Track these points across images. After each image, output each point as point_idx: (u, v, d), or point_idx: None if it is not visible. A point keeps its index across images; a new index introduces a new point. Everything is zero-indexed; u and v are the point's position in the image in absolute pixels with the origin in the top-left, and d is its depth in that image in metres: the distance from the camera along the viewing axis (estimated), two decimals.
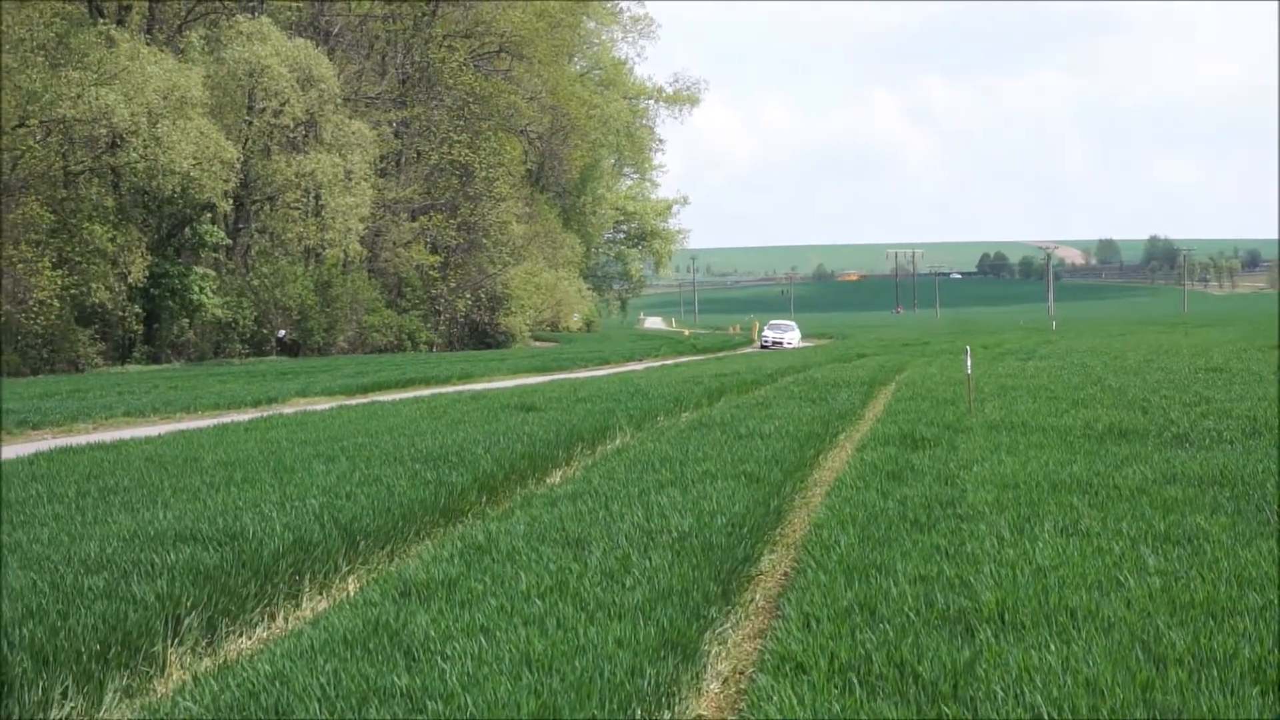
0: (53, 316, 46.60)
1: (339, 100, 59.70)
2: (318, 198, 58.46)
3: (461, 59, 71.15)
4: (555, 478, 13.80)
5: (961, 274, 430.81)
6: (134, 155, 48.57)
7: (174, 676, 7.13)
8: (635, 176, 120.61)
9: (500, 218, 72.99)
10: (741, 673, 6.89)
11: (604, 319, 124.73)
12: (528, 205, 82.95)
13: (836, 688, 5.95)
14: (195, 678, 6.71)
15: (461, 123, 71.18)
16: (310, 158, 56.93)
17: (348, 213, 58.30)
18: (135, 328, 52.09)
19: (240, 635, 7.93)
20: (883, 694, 5.88)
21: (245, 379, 37.18)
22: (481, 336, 74.25)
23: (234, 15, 57.52)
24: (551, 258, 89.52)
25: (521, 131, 79.15)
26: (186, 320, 54.01)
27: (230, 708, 5.99)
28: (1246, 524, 9.15)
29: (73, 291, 47.69)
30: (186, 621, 7.55)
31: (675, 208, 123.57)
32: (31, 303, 45.94)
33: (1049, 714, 5.49)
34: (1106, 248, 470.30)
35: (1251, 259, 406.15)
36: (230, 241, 58.33)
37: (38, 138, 49.03)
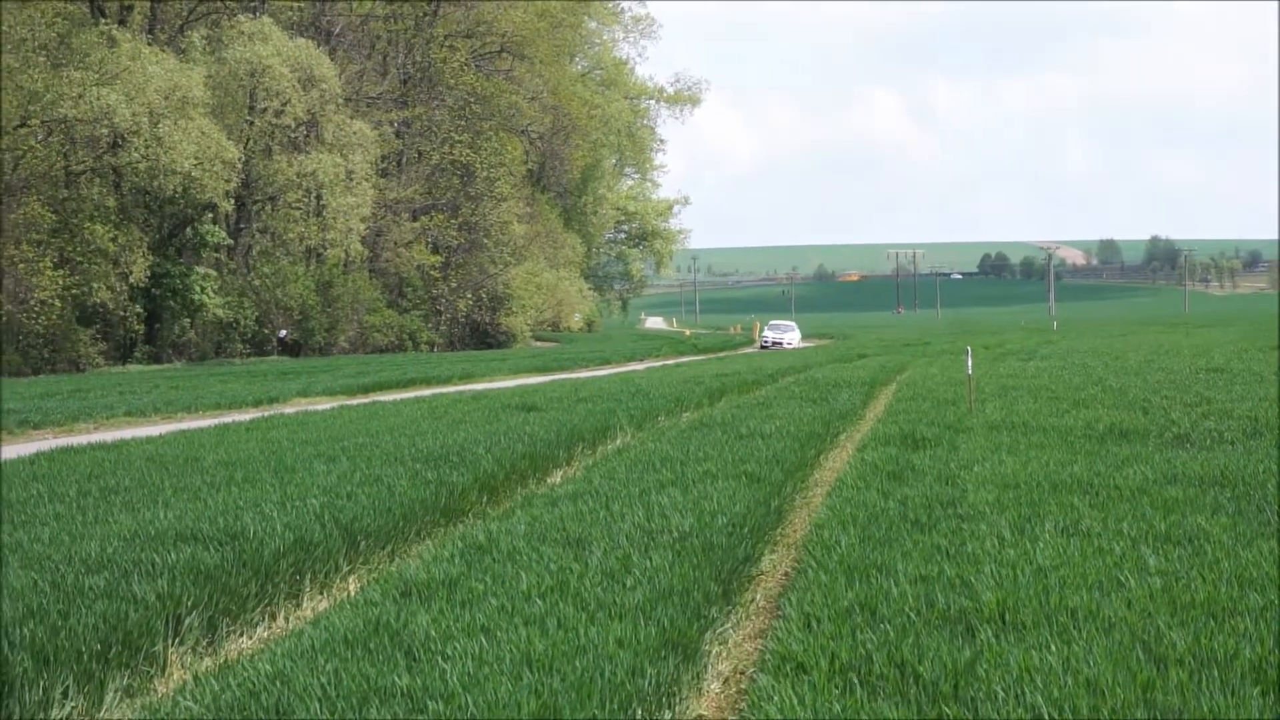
0: (54, 316, 46.62)
1: (340, 100, 59.73)
2: (319, 198, 58.48)
3: (463, 59, 71.16)
4: (556, 478, 13.80)
5: (962, 274, 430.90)
6: (135, 155, 48.59)
7: (175, 676, 7.13)
8: (636, 176, 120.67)
9: (501, 218, 73.01)
10: (742, 673, 6.89)
11: (605, 319, 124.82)
12: (529, 205, 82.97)
13: (837, 688, 5.95)
14: (196, 677, 6.71)
15: (463, 123, 71.20)
16: (311, 158, 56.96)
17: (349, 213, 58.32)
18: (136, 328, 52.11)
19: (241, 635, 7.93)
20: (883, 694, 5.88)
21: (246, 379, 37.19)
22: (482, 336, 74.27)
23: (235, 15, 57.54)
24: (552, 258, 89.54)
25: (523, 131, 79.15)
26: (188, 320, 54.04)
27: (231, 707, 5.99)
28: (1247, 524, 9.15)
29: (74, 291, 47.72)
30: (187, 621, 7.55)
31: (676, 208, 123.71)
32: (33, 302, 45.97)
33: (1050, 714, 5.49)
34: (1108, 248, 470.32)
35: (1252, 259, 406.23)
36: (231, 241, 58.36)
37: (39, 138, 49.07)
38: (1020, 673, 5.94)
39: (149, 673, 7.09)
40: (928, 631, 6.68)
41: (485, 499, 12.02)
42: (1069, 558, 8.12)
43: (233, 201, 55.56)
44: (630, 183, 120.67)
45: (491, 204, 72.19)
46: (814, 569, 8.25)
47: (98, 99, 46.49)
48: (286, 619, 8.34)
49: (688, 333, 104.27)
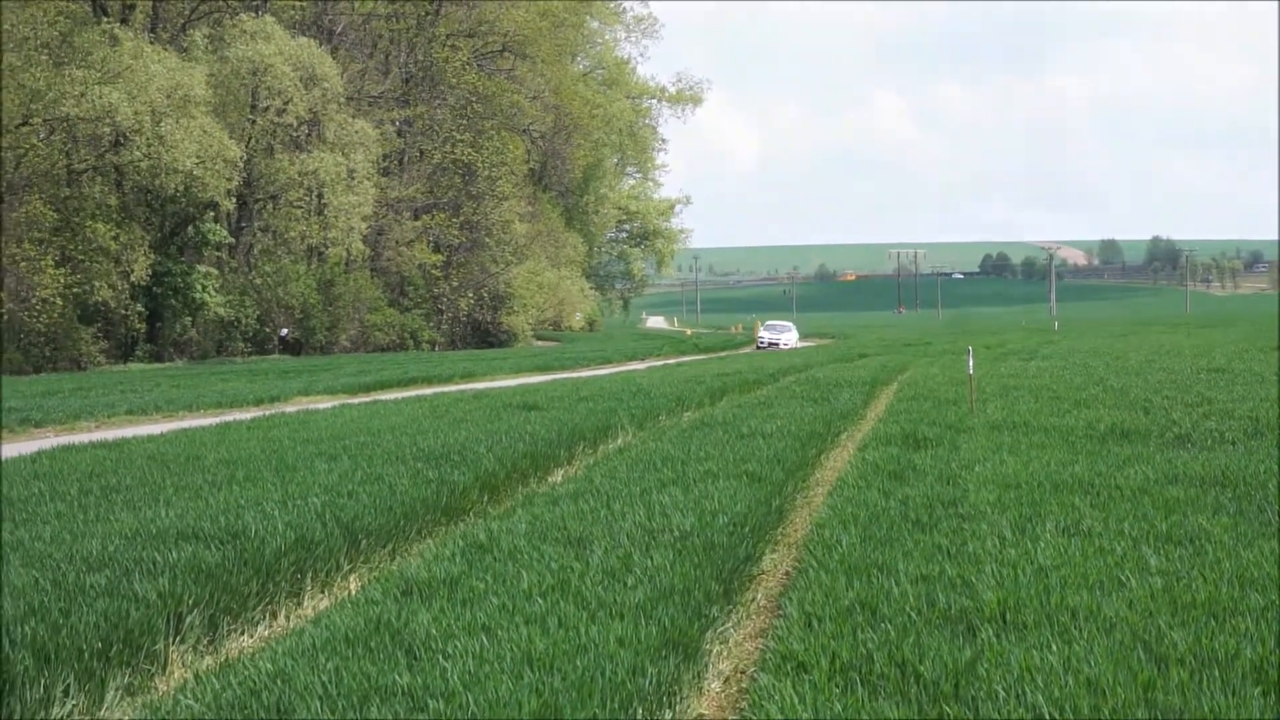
0: (55, 315, 46.62)
1: (342, 99, 59.72)
2: (320, 196, 58.49)
3: (464, 58, 71.17)
4: (557, 477, 13.80)
5: (964, 274, 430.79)
6: (137, 154, 48.59)
7: (175, 675, 7.13)
8: (638, 176, 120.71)
9: (503, 217, 73.02)
10: (743, 672, 6.89)
11: (606, 318, 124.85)
12: (530, 204, 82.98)
13: (838, 687, 5.95)
14: (197, 676, 6.71)
15: (464, 122, 71.20)
16: (313, 156, 56.96)
17: (350, 211, 58.33)
18: (138, 326, 52.12)
19: (242, 633, 7.94)
20: (884, 693, 5.88)
21: (247, 377, 37.20)
22: (484, 335, 74.28)
23: (237, 14, 57.54)
24: (554, 257, 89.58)
25: (524, 131, 79.16)
26: (189, 319, 54.05)
27: (232, 706, 5.99)
28: (1248, 524, 9.15)
29: (75, 290, 47.72)
30: (188, 620, 7.55)
31: (678, 207, 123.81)
32: (34, 301, 45.97)
33: (1050, 714, 5.49)
34: (1109, 248, 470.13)
35: (1253, 259, 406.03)
36: (233, 240, 58.35)
37: (41, 136, 49.07)
38: (1021, 672, 5.94)
39: (150, 671, 7.09)
40: (929, 631, 6.68)
41: (486, 498, 12.03)
42: (1070, 557, 8.13)
43: (234, 200, 55.57)
44: (632, 182, 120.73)
45: (493, 203, 72.19)
46: (815, 568, 8.25)
47: (100, 97, 46.50)
48: (288, 618, 8.34)
49: (689, 332, 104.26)
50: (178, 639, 7.40)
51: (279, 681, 6.20)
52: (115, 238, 49.15)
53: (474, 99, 71.13)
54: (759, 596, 8.49)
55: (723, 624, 7.53)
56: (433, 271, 69.71)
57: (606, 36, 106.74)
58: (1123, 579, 7.56)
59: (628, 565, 8.29)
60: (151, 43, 51.50)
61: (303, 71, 55.98)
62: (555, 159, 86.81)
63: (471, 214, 71.25)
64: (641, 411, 19.58)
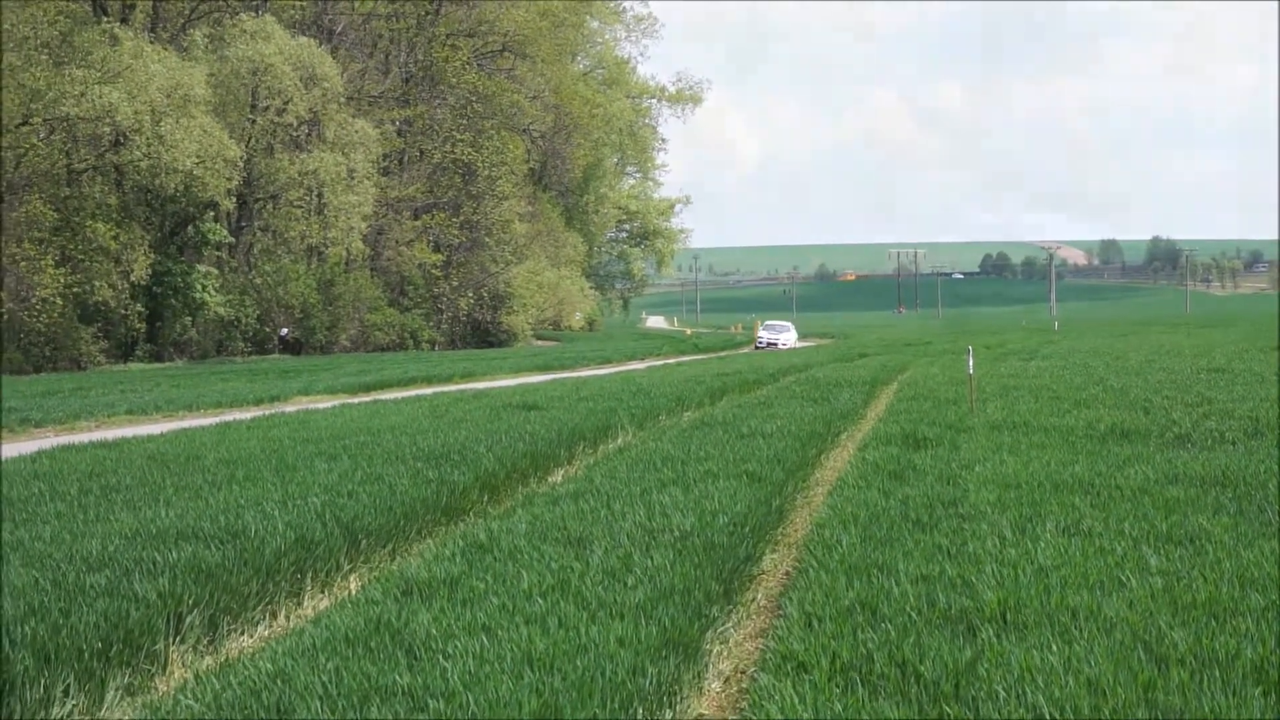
0: (55, 314, 46.62)
1: (342, 99, 59.72)
2: (320, 196, 58.47)
3: (465, 58, 71.17)
4: (557, 476, 13.80)
5: (964, 274, 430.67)
6: (137, 153, 48.59)
7: (176, 675, 7.13)
8: (638, 176, 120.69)
9: (503, 216, 73.03)
10: (743, 672, 6.89)
11: (606, 318, 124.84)
12: (530, 204, 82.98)
13: (838, 687, 5.95)
14: (197, 676, 6.71)
15: (464, 121, 71.21)
16: (313, 156, 56.96)
17: (350, 211, 58.33)
18: (138, 326, 52.11)
19: (242, 633, 7.94)
20: (884, 693, 5.88)
21: (247, 377, 37.20)
22: (484, 335, 74.28)
23: (238, 13, 57.54)
24: (554, 256, 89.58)
25: (524, 130, 79.16)
26: (189, 318, 54.04)
27: (232, 706, 5.99)
28: (1249, 524, 9.15)
29: (75, 289, 47.72)
30: (188, 620, 7.55)
31: (678, 207, 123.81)
32: (34, 301, 45.97)
33: (1051, 714, 5.49)
34: (1109, 248, 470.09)
35: (1253, 259, 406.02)
36: (233, 240, 58.34)
37: (41, 136, 49.07)
38: (1021, 672, 5.94)
39: (150, 671, 7.09)
40: (929, 631, 6.68)
41: (486, 498, 12.02)
42: (1070, 557, 8.13)
43: (234, 200, 55.56)
44: (632, 182, 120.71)
45: (493, 203, 72.19)
46: (815, 568, 8.25)
47: (99, 97, 46.49)
48: (288, 617, 8.34)
49: (689, 332, 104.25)
50: (178, 639, 7.40)
51: (279, 681, 6.20)
52: (115, 237, 49.15)
53: (474, 99, 71.13)
54: (759, 596, 8.49)
55: (723, 624, 7.52)
56: (433, 271, 69.71)
57: (606, 36, 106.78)
58: (1123, 579, 7.56)
59: (628, 565, 8.29)
60: (151, 42, 51.49)
61: (303, 71, 55.97)
62: (555, 159, 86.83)
63: (471, 214, 71.25)
64: (641, 411, 19.58)
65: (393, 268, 68.99)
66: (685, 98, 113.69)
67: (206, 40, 56.05)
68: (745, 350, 65.47)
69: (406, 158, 72.13)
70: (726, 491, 11.06)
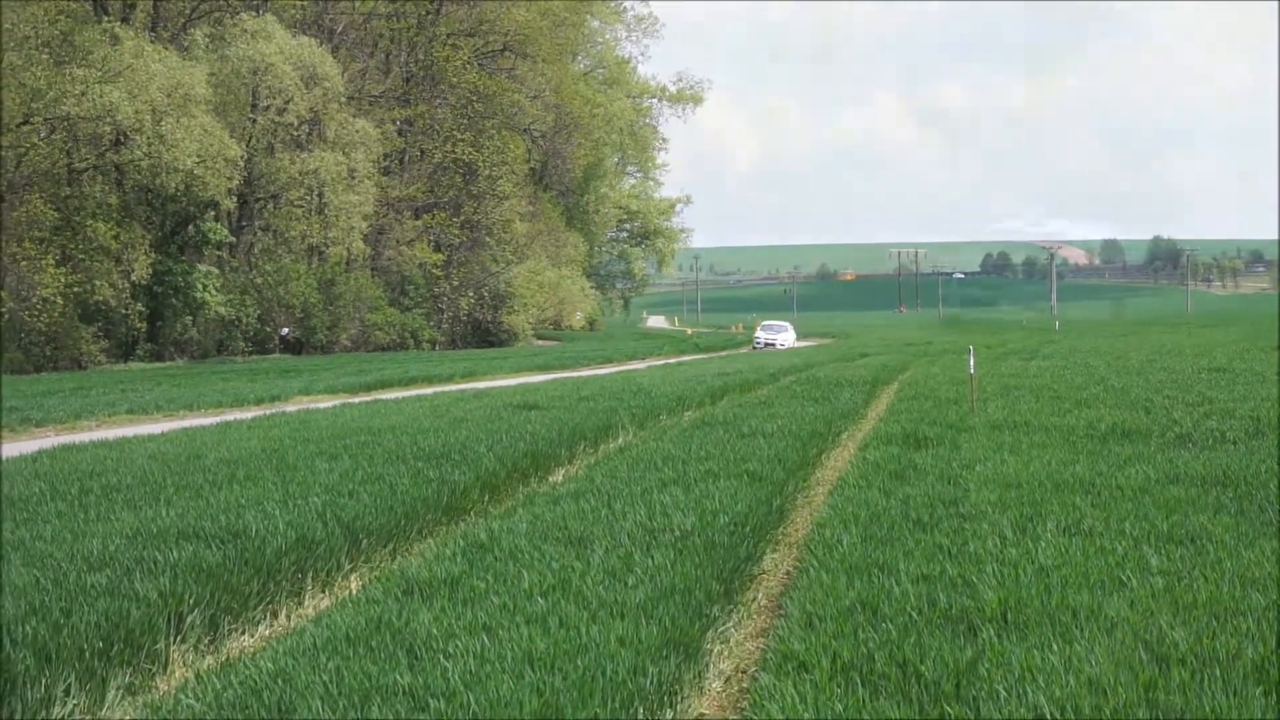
0: (56, 314, 46.61)
1: (343, 98, 59.72)
2: (321, 196, 58.47)
3: (465, 57, 71.17)
4: (558, 476, 13.80)
5: (965, 273, 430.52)
6: (138, 153, 48.58)
7: (176, 674, 7.13)
8: (639, 175, 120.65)
9: (503, 216, 73.03)
10: (744, 671, 6.89)
11: (607, 318, 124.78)
12: (531, 204, 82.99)
13: (839, 687, 5.95)
14: (198, 675, 6.71)
15: (465, 121, 71.20)
16: (314, 156, 56.97)
17: (351, 211, 58.33)
18: (138, 325, 52.10)
19: (243, 633, 7.94)
20: (885, 693, 5.88)
21: (248, 377, 37.21)
22: (484, 335, 74.28)
23: (238, 13, 57.53)
24: (554, 256, 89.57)
25: (525, 130, 79.17)
26: (190, 318, 54.03)
27: (233, 705, 5.99)
28: (1249, 524, 9.15)
29: (76, 289, 47.70)
30: (189, 619, 7.55)
31: (678, 207, 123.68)
32: (35, 300, 45.96)
33: (1052, 714, 5.49)
34: (1110, 248, 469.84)
35: (1253, 259, 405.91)
36: (234, 239, 58.33)
37: (41, 135, 49.06)
38: (1022, 672, 5.94)
39: (151, 671, 7.09)
40: (930, 631, 6.68)
41: (487, 497, 12.02)
42: (1071, 557, 8.13)
43: (235, 199, 55.56)
44: (632, 181, 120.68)
45: (494, 202, 72.20)
46: (816, 568, 8.25)
47: (100, 96, 46.49)
48: (288, 617, 8.34)
49: (689, 332, 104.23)
50: (179, 638, 7.40)
51: (280, 681, 6.20)
52: (116, 237, 49.15)
53: (474, 98, 71.12)
54: (760, 596, 8.49)
55: (724, 623, 7.52)
56: (433, 271, 69.72)
57: (607, 36, 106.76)
58: (1124, 579, 7.56)
59: (629, 565, 8.29)
60: (152, 42, 51.48)
61: (303, 71, 55.97)
62: (556, 158, 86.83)
63: (472, 213, 71.26)
64: (642, 411, 19.58)
65: (393, 267, 69.00)
66: (686, 97, 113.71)
67: (207, 40, 56.05)
68: (746, 350, 65.48)
69: (407, 157, 72.13)
70: (727, 491, 11.06)
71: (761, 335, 75.44)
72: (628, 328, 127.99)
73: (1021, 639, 6.46)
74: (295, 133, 58.13)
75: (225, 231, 56.25)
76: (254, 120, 56.50)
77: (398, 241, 69.18)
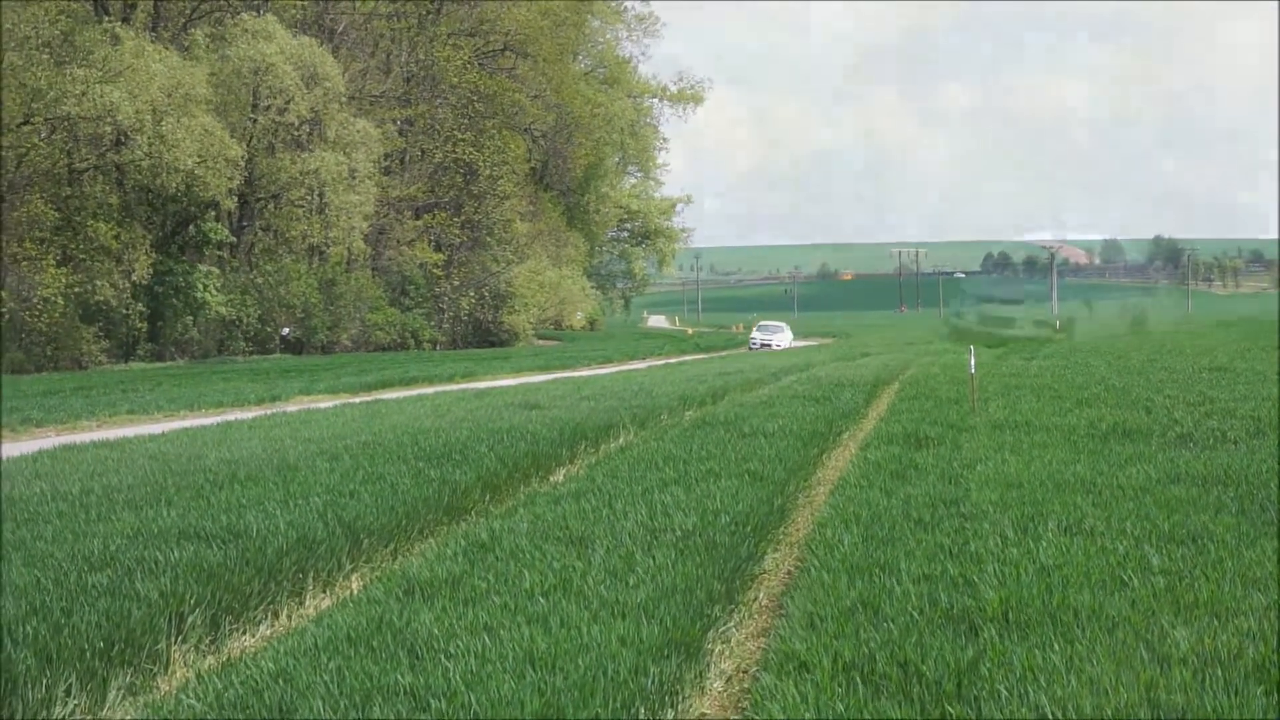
0: (57, 314, 46.62)
1: (343, 98, 59.71)
2: (322, 195, 58.47)
3: (466, 57, 71.17)
4: (559, 476, 13.80)
5: (965, 273, 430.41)
6: (138, 153, 48.59)
7: (178, 674, 7.13)
8: (639, 175, 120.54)
9: (504, 216, 73.04)
10: (745, 671, 6.89)
11: (607, 317, 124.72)
12: (532, 203, 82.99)
13: (840, 687, 5.95)
14: (199, 675, 6.71)
15: (465, 121, 71.20)
16: (314, 156, 56.96)
17: (351, 211, 58.33)
18: (139, 325, 52.10)
19: (244, 633, 7.93)
20: (886, 693, 5.88)
21: (249, 377, 37.21)
22: (485, 335, 74.28)
23: (239, 13, 57.52)
24: (555, 256, 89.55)
25: (525, 130, 79.17)
26: (190, 318, 54.03)
27: (234, 705, 5.99)
28: (1250, 524, 9.14)
29: (77, 289, 47.71)
30: (190, 619, 7.54)
31: (679, 206, 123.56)
32: (36, 300, 45.97)
33: (1053, 713, 5.49)
34: (1111, 248, 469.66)
35: (1254, 258, 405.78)
36: (234, 239, 58.33)
37: (42, 135, 49.06)
38: (1023, 672, 5.94)
39: (152, 671, 7.09)
40: (931, 630, 6.68)
41: (488, 497, 12.02)
42: (1072, 557, 8.12)
43: (235, 199, 55.57)
44: (633, 181, 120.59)
45: (494, 202, 72.20)
46: (817, 568, 8.25)
47: (101, 96, 46.48)
48: (289, 617, 8.34)
49: (690, 331, 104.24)
50: (180, 638, 7.40)
51: (281, 681, 6.20)
52: (116, 237, 49.15)
53: (475, 98, 71.12)
54: (761, 596, 8.49)
55: (725, 623, 7.52)
56: (434, 271, 69.71)
57: (608, 35, 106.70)
58: (1125, 578, 7.56)
59: (630, 564, 8.28)
60: (153, 41, 51.48)
61: (304, 71, 55.97)
62: (556, 158, 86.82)
63: (473, 213, 71.26)
64: (643, 410, 19.57)
65: (394, 267, 69.00)
66: (686, 97, 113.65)
67: (208, 39, 56.05)
68: (743, 350, 65.47)
69: (408, 157, 72.13)
70: (728, 491, 11.06)
71: (758, 336, 75.03)
72: (628, 327, 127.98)
73: (1023, 639, 6.46)
74: (296, 133, 58.13)
75: (226, 231, 56.25)
76: (254, 120, 56.51)
77: (398, 241, 69.18)
